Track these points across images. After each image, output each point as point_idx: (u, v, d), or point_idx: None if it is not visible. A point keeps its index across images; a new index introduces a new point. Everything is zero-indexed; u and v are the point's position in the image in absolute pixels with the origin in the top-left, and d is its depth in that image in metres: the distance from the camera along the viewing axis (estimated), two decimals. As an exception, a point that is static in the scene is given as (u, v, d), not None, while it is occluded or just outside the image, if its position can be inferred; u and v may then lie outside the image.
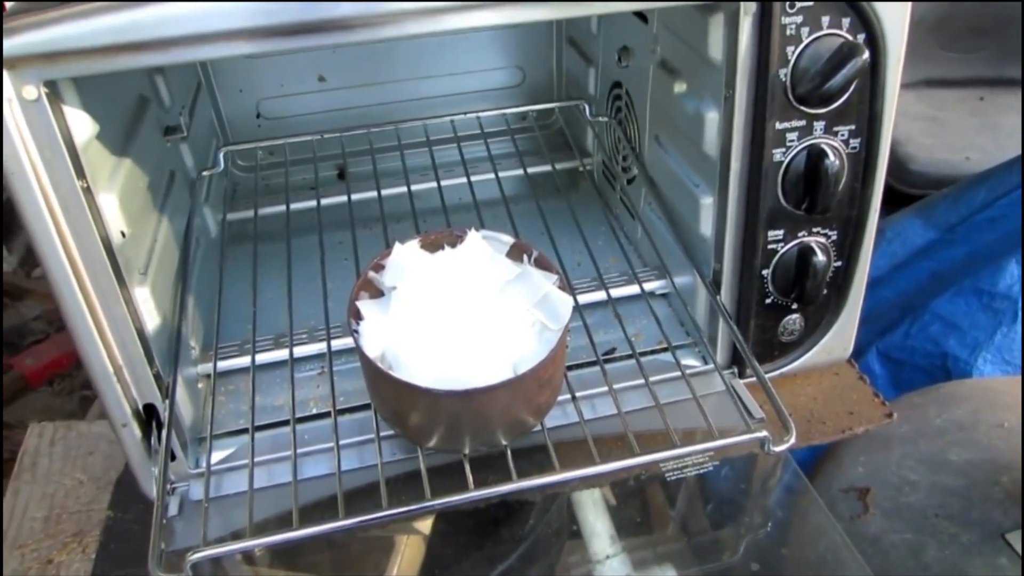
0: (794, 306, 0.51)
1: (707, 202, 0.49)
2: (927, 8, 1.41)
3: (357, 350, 0.39)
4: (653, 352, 0.53)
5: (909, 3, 0.43)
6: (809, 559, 0.55)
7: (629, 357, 0.51)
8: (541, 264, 0.43)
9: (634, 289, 0.55)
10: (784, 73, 0.43)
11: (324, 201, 0.63)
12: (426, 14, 0.37)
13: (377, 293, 0.42)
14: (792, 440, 0.42)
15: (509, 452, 0.42)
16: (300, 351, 0.52)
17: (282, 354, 0.51)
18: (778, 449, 0.42)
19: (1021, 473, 0.53)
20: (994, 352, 0.94)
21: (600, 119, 0.66)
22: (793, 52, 0.43)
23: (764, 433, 0.41)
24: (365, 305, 0.41)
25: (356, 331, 0.40)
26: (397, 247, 0.43)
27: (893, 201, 1.19)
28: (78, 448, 0.55)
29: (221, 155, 0.63)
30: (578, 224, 0.58)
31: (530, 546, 0.57)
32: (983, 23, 1.44)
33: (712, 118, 0.47)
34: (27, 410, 1.45)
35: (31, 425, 0.58)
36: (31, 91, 0.35)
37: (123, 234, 0.42)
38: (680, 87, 0.51)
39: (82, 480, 0.52)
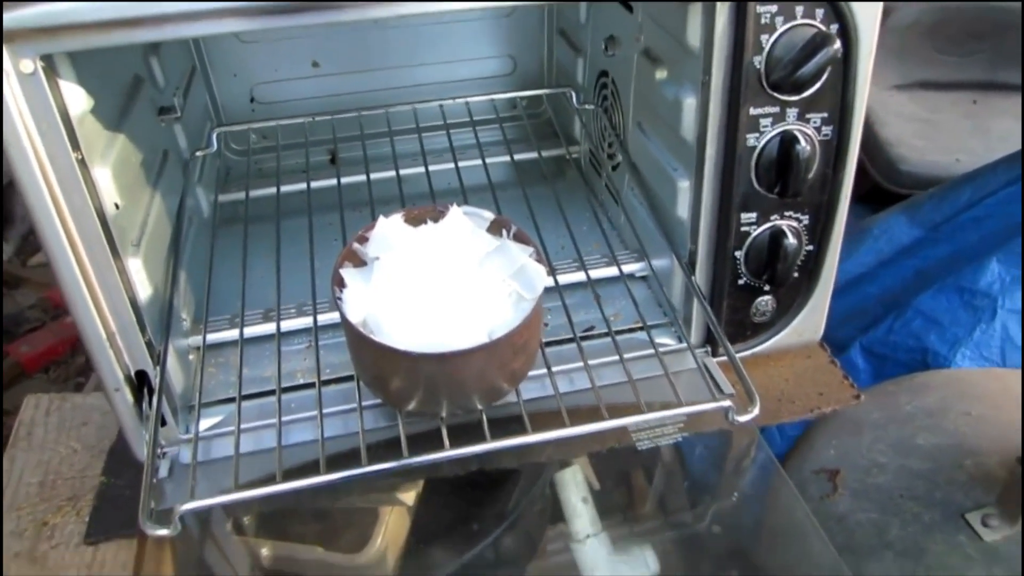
0: (766, 288, 0.53)
1: (684, 185, 0.51)
2: (923, 11, 1.43)
3: (340, 316, 0.41)
4: (630, 331, 0.55)
5: (880, -2, 0.45)
6: (776, 534, 0.57)
7: (605, 335, 0.53)
8: (519, 238, 0.45)
9: (614, 271, 0.57)
10: (759, 60, 0.45)
11: (314, 184, 0.65)
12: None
13: (361, 263, 0.44)
14: (756, 411, 0.44)
15: (485, 419, 0.44)
16: (287, 325, 0.54)
17: (270, 328, 0.53)
18: (742, 419, 0.44)
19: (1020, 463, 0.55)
20: (972, 348, 0.96)
21: (587, 107, 0.68)
22: (767, 40, 0.45)
23: (728, 403, 0.43)
24: (348, 273, 0.43)
25: (339, 298, 0.42)
26: (381, 220, 0.45)
27: (883, 200, 1.22)
28: (72, 419, 0.57)
29: (214, 136, 0.65)
30: (562, 210, 0.60)
31: (513, 523, 0.59)
32: (980, 27, 1.46)
33: (690, 104, 0.49)
34: (23, 396, 1.46)
35: (27, 397, 0.60)
36: (28, 65, 0.37)
37: (117, 206, 0.44)
38: (661, 74, 0.53)
39: (76, 448, 0.54)
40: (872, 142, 1.36)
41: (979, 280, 0.97)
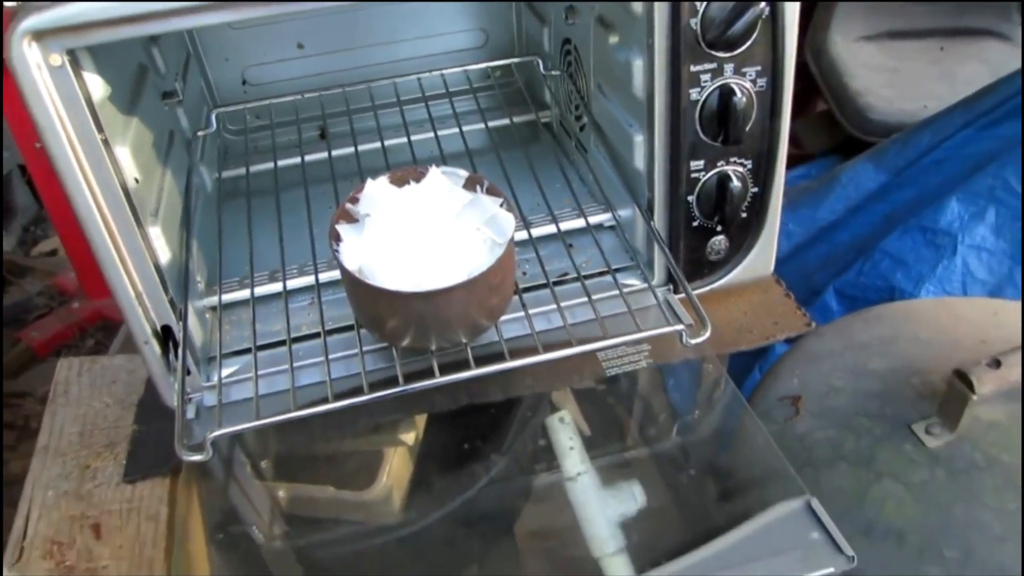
0: (718, 228, 0.60)
1: (639, 139, 0.58)
2: (890, -40, 1.47)
3: (338, 266, 0.48)
4: (600, 274, 0.62)
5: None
6: (742, 456, 0.65)
7: (576, 280, 0.60)
8: (491, 192, 0.52)
9: (583, 222, 0.64)
10: (694, 22, 0.52)
11: (308, 158, 0.71)
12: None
13: (353, 220, 0.51)
14: (707, 334, 0.51)
15: (470, 354, 0.51)
16: (292, 284, 0.61)
17: (277, 287, 0.60)
18: (694, 341, 0.51)
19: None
20: (936, 283, 1.03)
21: (554, 73, 0.74)
22: (702, 4, 0.51)
23: (681, 326, 0.50)
24: (343, 229, 0.50)
25: (337, 250, 0.48)
26: (369, 182, 0.52)
27: (855, 150, 1.28)
28: (103, 378, 0.64)
29: (213, 116, 0.72)
30: (534, 171, 0.67)
31: (508, 462, 0.66)
32: (944, -27, 1.50)
33: (638, 65, 0.55)
34: (36, 380, 1.54)
35: (60, 360, 0.67)
36: (56, 59, 0.44)
37: (136, 180, 0.51)
38: (614, 39, 0.59)
39: (108, 403, 0.62)
40: (841, 93, 1.41)
41: (940, 219, 1.03)
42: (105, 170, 0.47)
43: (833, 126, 1.47)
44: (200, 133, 0.70)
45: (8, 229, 1.86)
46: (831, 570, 0.44)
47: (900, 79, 1.43)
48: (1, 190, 1.83)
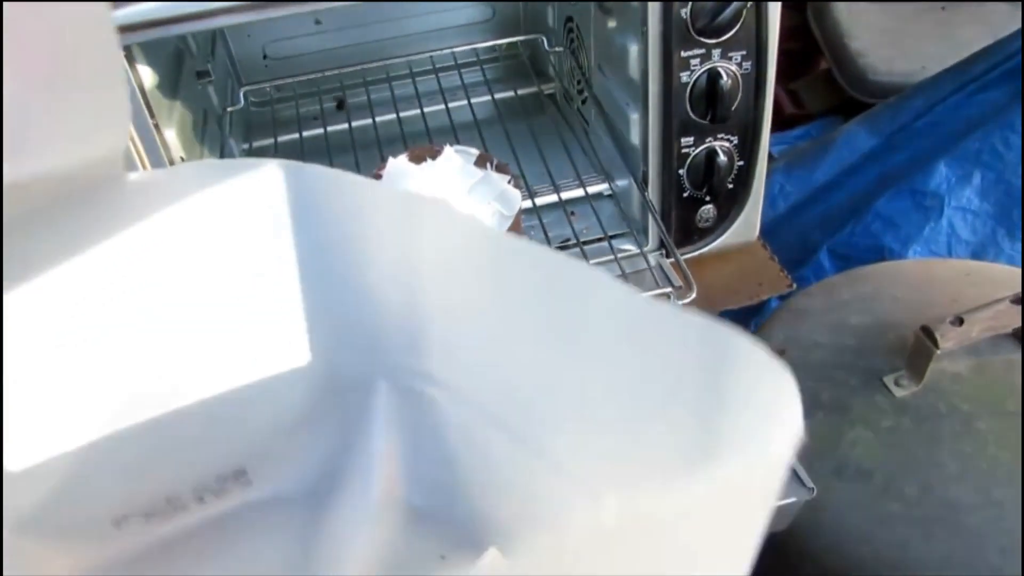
0: (707, 198, 0.66)
1: (635, 117, 0.64)
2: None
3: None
4: (598, 240, 0.69)
5: (783, -50, 0.57)
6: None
7: (576, 245, 0.66)
8: (500, 169, 0.58)
9: (582, 192, 0.70)
10: (685, 12, 0.57)
11: (329, 129, 0.77)
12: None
13: (377, 196, 0.58)
14: (693, 295, 0.58)
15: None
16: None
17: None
18: (682, 302, 0.58)
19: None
20: (923, 244, 1.09)
21: (557, 49, 0.80)
22: (691, -4, 0.57)
23: (670, 288, 0.57)
24: (368, 204, 0.56)
25: (363, 223, 0.55)
26: (391, 160, 0.59)
27: (855, 111, 1.33)
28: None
29: (241, 93, 0.78)
30: (537, 142, 0.73)
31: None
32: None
33: (634, 49, 0.61)
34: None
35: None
36: (115, 54, 0.50)
37: (181, 159, 0.58)
38: (612, 23, 0.65)
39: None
40: (842, 54, 1.45)
41: (929, 182, 1.09)
42: (157, 152, 0.54)
43: (834, 86, 1.52)
44: (229, 109, 0.76)
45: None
46: (794, 499, 0.51)
47: (900, 40, 1.47)
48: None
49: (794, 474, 0.53)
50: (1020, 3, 1.50)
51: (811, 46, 1.58)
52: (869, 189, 1.19)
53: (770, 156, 1.52)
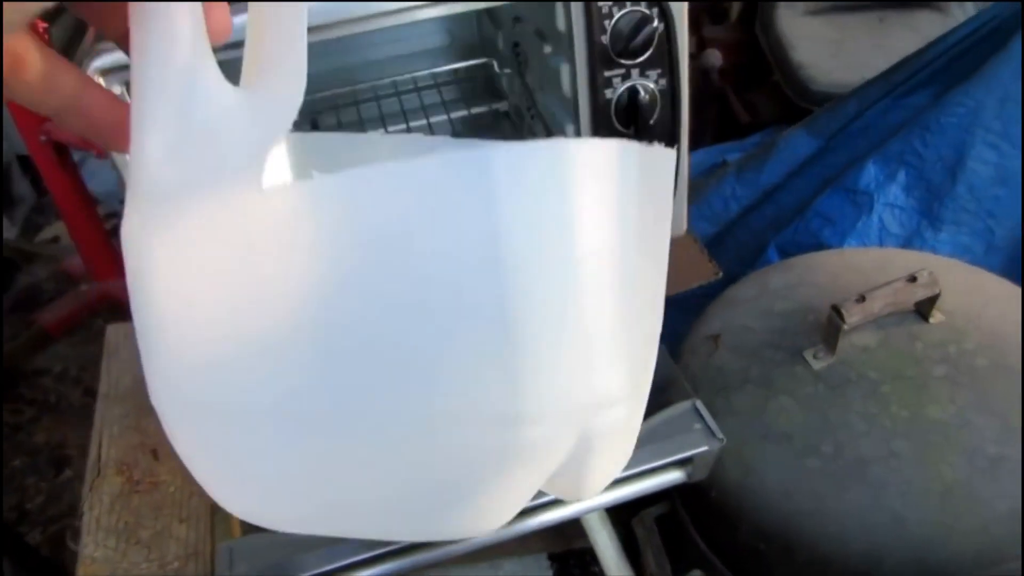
0: (636, 198, 0.77)
1: (570, 130, 0.75)
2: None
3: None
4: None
5: (686, -16, 0.68)
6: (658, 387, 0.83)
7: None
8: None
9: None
10: (604, 38, 0.68)
11: (302, 149, 0.88)
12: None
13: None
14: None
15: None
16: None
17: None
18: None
19: None
20: (857, 238, 1.20)
21: (507, 71, 0.91)
22: (609, 24, 0.67)
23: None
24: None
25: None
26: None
27: (799, 118, 1.44)
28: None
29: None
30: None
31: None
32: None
33: (566, 69, 0.72)
34: (52, 359, 1.71)
35: (108, 327, 0.84)
36: (116, 88, 0.60)
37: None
38: (547, 48, 0.76)
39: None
40: (786, 65, 1.58)
41: (859, 180, 1.21)
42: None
43: (783, 96, 1.64)
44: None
45: (12, 218, 2.02)
46: (705, 448, 0.61)
47: (841, 51, 1.60)
48: (1, 180, 1.99)
49: (707, 428, 0.63)
50: (951, 14, 1.63)
51: (762, 59, 1.71)
52: (811, 189, 1.31)
53: (725, 162, 1.64)
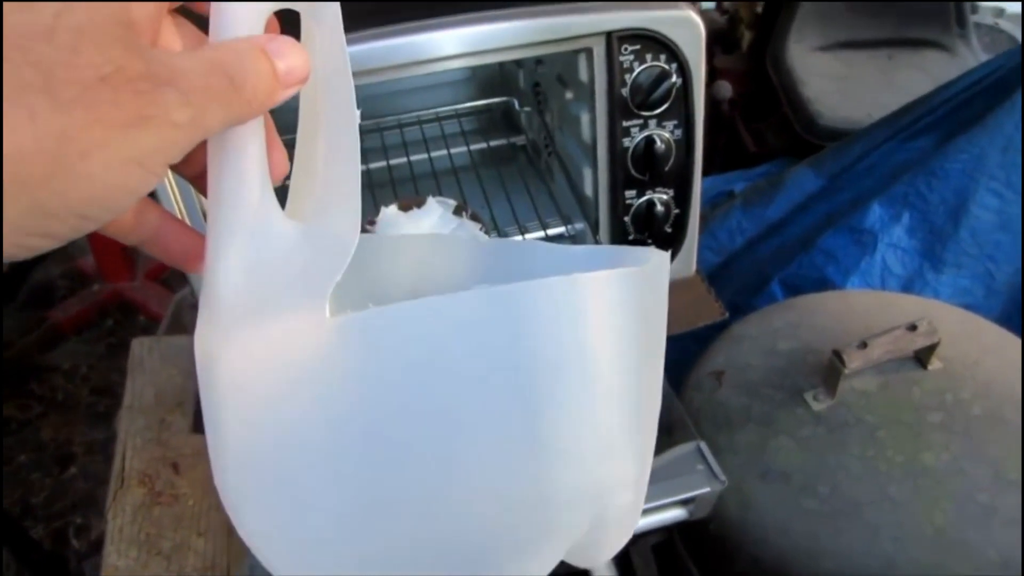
0: (648, 241, 0.80)
1: (587, 172, 0.78)
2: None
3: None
4: (558, 275, 0.82)
5: (703, 42, 0.71)
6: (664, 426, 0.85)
7: (539, 278, 0.79)
8: (473, 217, 0.72)
9: (543, 233, 0.84)
10: (625, 91, 0.71)
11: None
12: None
13: (370, 239, 0.71)
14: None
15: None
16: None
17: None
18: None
19: None
20: (859, 276, 1.23)
21: (526, 109, 0.94)
22: (629, 77, 0.70)
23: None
24: (363, 246, 0.70)
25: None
26: (383, 210, 0.72)
27: (806, 152, 1.47)
28: (170, 353, 0.84)
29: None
30: (505, 188, 0.86)
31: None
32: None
33: (586, 118, 0.75)
34: (63, 356, 1.74)
35: (134, 340, 0.86)
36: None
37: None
38: (568, 94, 0.79)
39: (175, 372, 0.82)
40: (795, 99, 1.61)
41: (864, 220, 1.24)
42: (190, 195, 0.67)
43: (786, 130, 1.67)
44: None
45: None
46: (708, 489, 0.64)
47: (849, 87, 1.62)
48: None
49: (710, 470, 0.66)
50: (959, 54, 1.66)
51: (772, 90, 1.74)
52: (815, 226, 1.34)
53: (731, 193, 1.67)
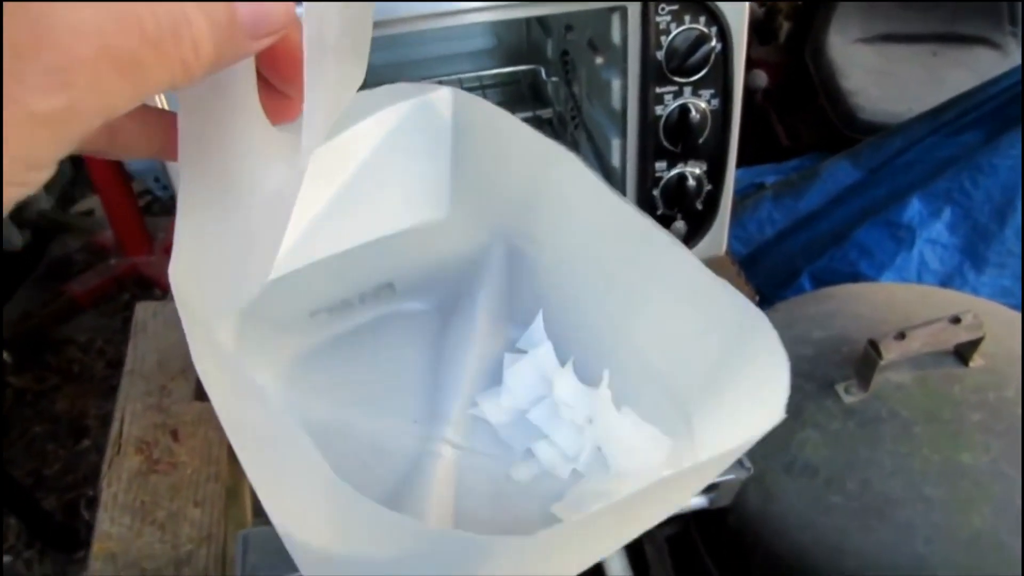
0: (678, 216, 0.76)
1: (616, 143, 0.74)
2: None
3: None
4: (581, 250, 0.79)
5: (747, 3, 0.67)
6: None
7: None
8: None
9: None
10: (660, 54, 0.68)
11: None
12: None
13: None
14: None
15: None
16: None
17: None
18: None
19: None
20: (895, 272, 1.19)
21: (554, 79, 0.91)
22: (665, 40, 0.67)
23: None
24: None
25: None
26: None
27: (843, 145, 1.43)
28: (175, 318, 0.82)
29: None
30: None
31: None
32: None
33: (617, 84, 0.71)
34: (79, 329, 1.73)
35: (138, 304, 0.84)
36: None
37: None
38: (599, 60, 0.75)
39: (180, 338, 0.79)
40: (835, 92, 1.56)
41: (903, 215, 1.19)
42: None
43: (827, 122, 1.62)
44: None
45: (48, 189, 2.04)
46: (733, 476, 0.60)
47: (891, 81, 1.58)
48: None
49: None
50: (1009, 52, 1.60)
51: (808, 83, 1.69)
52: (850, 219, 1.29)
53: (762, 185, 1.62)
